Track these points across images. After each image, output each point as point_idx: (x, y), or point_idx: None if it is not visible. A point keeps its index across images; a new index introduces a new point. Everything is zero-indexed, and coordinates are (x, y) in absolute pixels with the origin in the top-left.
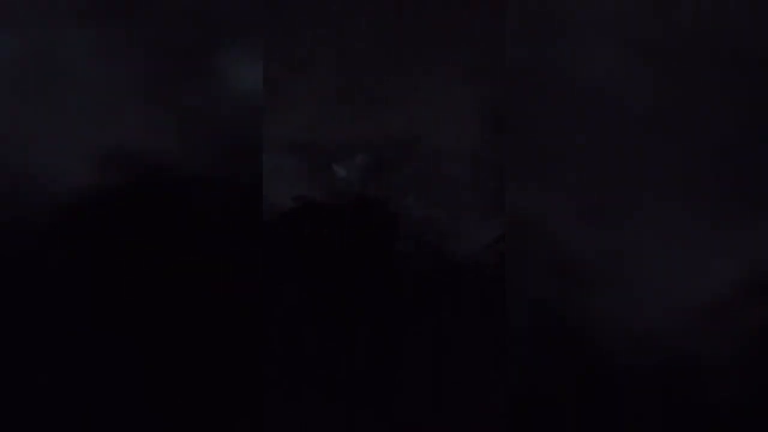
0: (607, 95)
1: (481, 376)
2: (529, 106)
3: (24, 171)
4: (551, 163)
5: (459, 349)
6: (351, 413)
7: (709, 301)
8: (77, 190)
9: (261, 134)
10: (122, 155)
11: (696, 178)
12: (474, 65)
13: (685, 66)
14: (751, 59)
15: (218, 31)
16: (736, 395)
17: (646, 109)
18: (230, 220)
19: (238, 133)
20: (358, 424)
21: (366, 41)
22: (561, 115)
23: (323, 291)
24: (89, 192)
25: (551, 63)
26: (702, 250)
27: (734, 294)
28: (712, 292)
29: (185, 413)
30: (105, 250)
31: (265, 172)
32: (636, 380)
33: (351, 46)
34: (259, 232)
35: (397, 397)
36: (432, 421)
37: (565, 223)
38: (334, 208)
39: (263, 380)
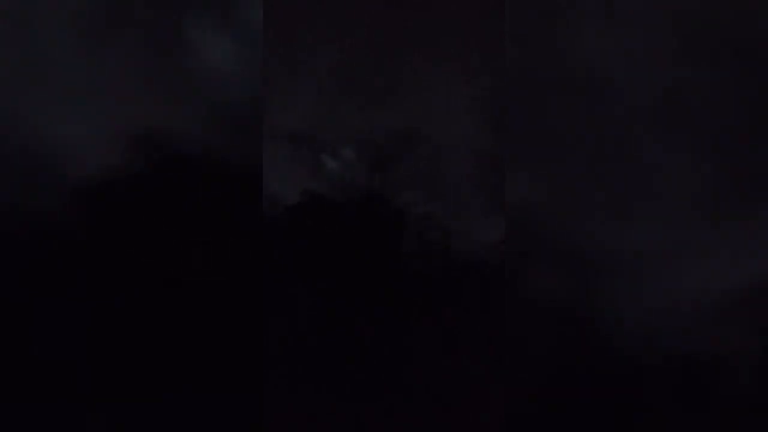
0: (607, 91)
1: (483, 373)
2: (529, 101)
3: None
4: (552, 159)
5: (460, 345)
6: (352, 410)
7: (716, 297)
8: (66, 183)
9: (261, 126)
10: (119, 149)
11: (700, 173)
12: (474, 61)
13: (689, 61)
14: (761, 53)
15: (217, 20)
16: (746, 394)
17: (647, 104)
18: (230, 213)
19: (238, 125)
20: (359, 422)
21: (367, 36)
22: (561, 111)
23: (323, 286)
24: (82, 183)
25: (551, 59)
26: (708, 246)
27: (744, 290)
28: (719, 288)
29: (184, 409)
30: (97, 245)
31: (265, 165)
32: (641, 378)
33: (352, 41)
34: (259, 224)
35: (398, 393)
36: (433, 419)
37: (567, 218)
38: (332, 203)
39: (263, 377)
